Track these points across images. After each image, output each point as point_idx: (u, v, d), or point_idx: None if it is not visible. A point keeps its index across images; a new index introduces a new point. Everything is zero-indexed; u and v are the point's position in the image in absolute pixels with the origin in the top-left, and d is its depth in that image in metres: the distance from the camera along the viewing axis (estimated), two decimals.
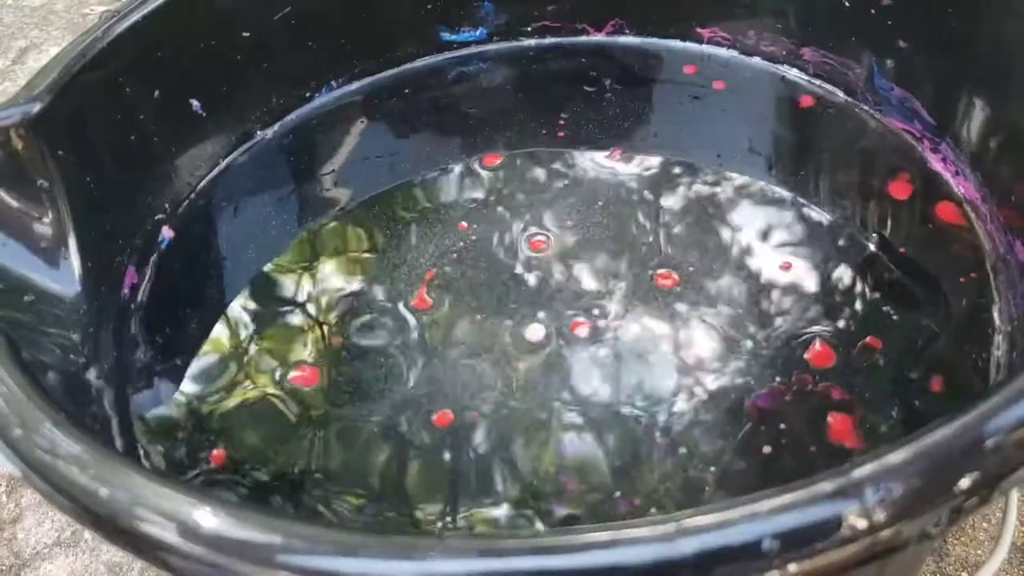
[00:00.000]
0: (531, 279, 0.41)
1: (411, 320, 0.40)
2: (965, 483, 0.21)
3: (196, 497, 0.23)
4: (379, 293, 0.41)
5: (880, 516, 0.20)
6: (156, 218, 0.45)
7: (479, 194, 0.46)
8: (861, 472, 0.21)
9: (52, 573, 0.54)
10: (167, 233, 0.45)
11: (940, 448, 0.21)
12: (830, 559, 0.20)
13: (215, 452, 0.35)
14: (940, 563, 0.49)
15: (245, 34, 0.48)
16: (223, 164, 0.49)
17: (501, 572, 0.20)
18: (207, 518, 0.22)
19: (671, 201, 0.44)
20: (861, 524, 0.20)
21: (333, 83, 0.53)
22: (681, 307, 0.39)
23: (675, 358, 0.37)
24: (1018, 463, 0.21)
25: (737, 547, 0.20)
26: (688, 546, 0.20)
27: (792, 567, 0.20)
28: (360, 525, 0.33)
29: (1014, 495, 0.39)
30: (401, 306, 0.41)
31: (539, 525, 0.32)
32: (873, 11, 0.46)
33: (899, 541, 0.20)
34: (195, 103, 0.47)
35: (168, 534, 0.22)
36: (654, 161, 0.46)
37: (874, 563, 0.21)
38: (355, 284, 0.42)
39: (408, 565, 0.20)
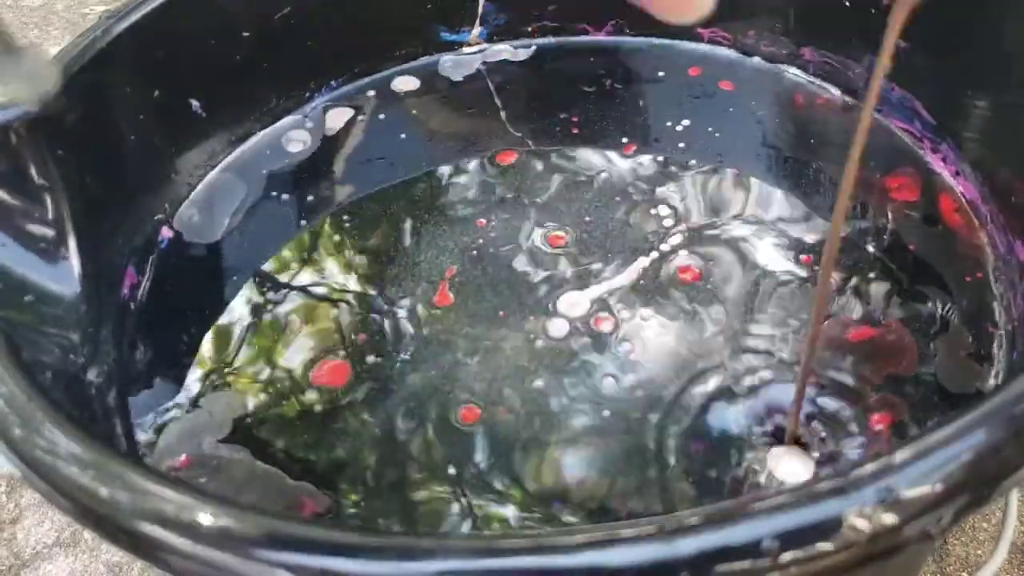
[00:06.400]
0: (552, 274, 0.41)
1: (434, 317, 0.40)
2: (965, 483, 0.21)
3: (197, 497, 0.23)
4: (399, 290, 0.41)
5: (880, 516, 0.20)
6: (156, 218, 0.45)
7: (495, 191, 0.46)
8: (861, 472, 0.21)
9: (52, 573, 0.54)
10: (167, 233, 0.45)
11: (941, 448, 0.21)
12: (830, 559, 0.20)
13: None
14: (941, 563, 0.49)
15: (245, 34, 0.48)
16: (223, 164, 0.49)
17: (500, 571, 0.20)
18: (208, 518, 0.22)
19: (687, 197, 0.44)
20: (861, 524, 0.20)
21: (333, 83, 0.53)
22: (702, 301, 0.39)
23: (694, 353, 0.37)
24: (1018, 463, 0.21)
25: (736, 547, 0.20)
26: (687, 545, 0.20)
27: (792, 567, 0.20)
28: (363, 525, 0.33)
29: (1014, 495, 0.39)
30: (423, 303, 0.41)
31: (549, 524, 0.32)
32: (873, 11, 0.46)
33: (899, 541, 0.20)
34: (195, 103, 0.47)
35: (168, 534, 0.22)
36: (669, 158, 0.46)
37: (874, 563, 0.21)
38: (371, 281, 0.42)
39: (408, 564, 0.21)
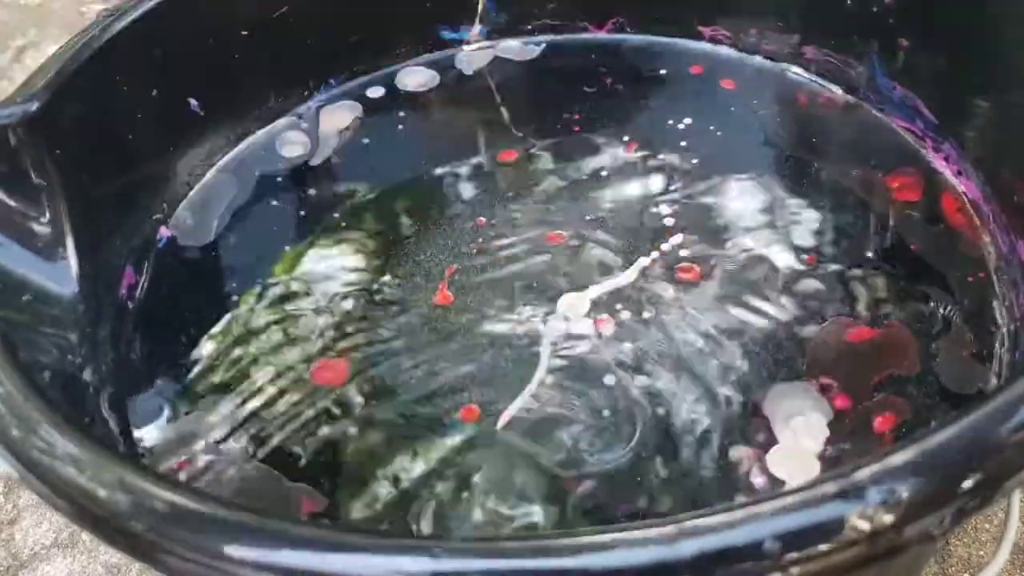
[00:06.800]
0: (552, 274, 0.41)
1: (433, 316, 0.40)
2: (968, 484, 0.21)
3: (195, 499, 0.22)
4: (399, 289, 0.41)
5: (883, 518, 0.20)
6: (153, 218, 0.45)
7: (496, 190, 0.46)
8: (863, 473, 0.20)
9: (50, 574, 0.54)
10: (165, 232, 0.45)
11: (943, 449, 0.21)
12: (832, 560, 0.20)
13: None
14: (943, 564, 0.49)
15: (243, 33, 0.48)
16: (221, 163, 0.48)
17: (501, 573, 0.20)
18: (205, 519, 0.22)
19: (689, 196, 0.44)
20: (863, 526, 0.20)
21: (332, 82, 0.53)
22: (701, 301, 0.39)
23: (694, 353, 0.37)
24: (1020, 464, 0.21)
25: (739, 548, 0.20)
26: (689, 547, 0.20)
27: (794, 568, 0.20)
28: (364, 526, 0.33)
29: (1016, 496, 0.39)
30: (423, 302, 0.40)
31: (546, 522, 0.32)
32: (875, 9, 0.46)
33: (902, 542, 0.20)
34: (193, 102, 0.47)
35: (166, 536, 0.22)
36: (670, 157, 0.46)
37: (876, 565, 0.21)
38: (371, 280, 0.42)
39: (409, 565, 0.20)
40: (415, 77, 0.53)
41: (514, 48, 0.55)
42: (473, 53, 0.55)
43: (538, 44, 0.55)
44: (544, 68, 0.54)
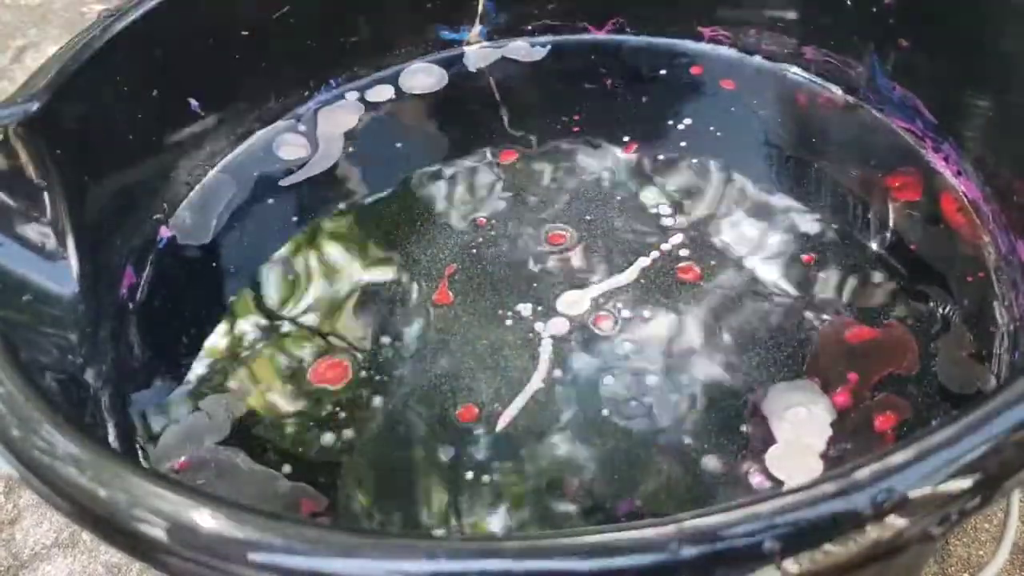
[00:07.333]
0: (552, 273, 0.41)
1: (433, 315, 0.40)
2: (967, 484, 0.21)
3: (194, 498, 0.22)
4: (399, 288, 0.41)
5: (882, 517, 0.20)
6: (154, 218, 0.45)
7: (497, 190, 0.46)
8: (863, 473, 0.20)
9: (50, 574, 0.54)
10: (165, 233, 0.45)
11: (942, 449, 0.21)
12: (831, 560, 0.20)
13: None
14: (942, 564, 0.49)
15: (244, 33, 0.48)
16: (222, 163, 0.48)
17: (501, 573, 0.20)
18: (205, 519, 0.22)
19: (688, 196, 0.44)
20: (863, 525, 0.20)
21: (332, 82, 0.53)
22: (702, 301, 0.39)
23: (693, 353, 0.37)
24: (1020, 464, 0.21)
25: (738, 548, 0.20)
26: (689, 548, 0.20)
27: (793, 568, 0.20)
28: (363, 526, 0.33)
29: (1015, 496, 0.39)
30: (422, 301, 0.40)
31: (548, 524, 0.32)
32: (875, 9, 0.46)
33: (901, 542, 0.20)
34: (193, 102, 0.47)
35: (166, 535, 0.22)
36: (670, 157, 0.46)
37: (876, 564, 0.21)
38: (371, 280, 0.42)
39: (409, 566, 0.20)
40: (417, 77, 0.54)
41: (521, 49, 0.55)
42: (479, 53, 0.55)
43: (544, 45, 0.55)
44: (545, 68, 0.54)
